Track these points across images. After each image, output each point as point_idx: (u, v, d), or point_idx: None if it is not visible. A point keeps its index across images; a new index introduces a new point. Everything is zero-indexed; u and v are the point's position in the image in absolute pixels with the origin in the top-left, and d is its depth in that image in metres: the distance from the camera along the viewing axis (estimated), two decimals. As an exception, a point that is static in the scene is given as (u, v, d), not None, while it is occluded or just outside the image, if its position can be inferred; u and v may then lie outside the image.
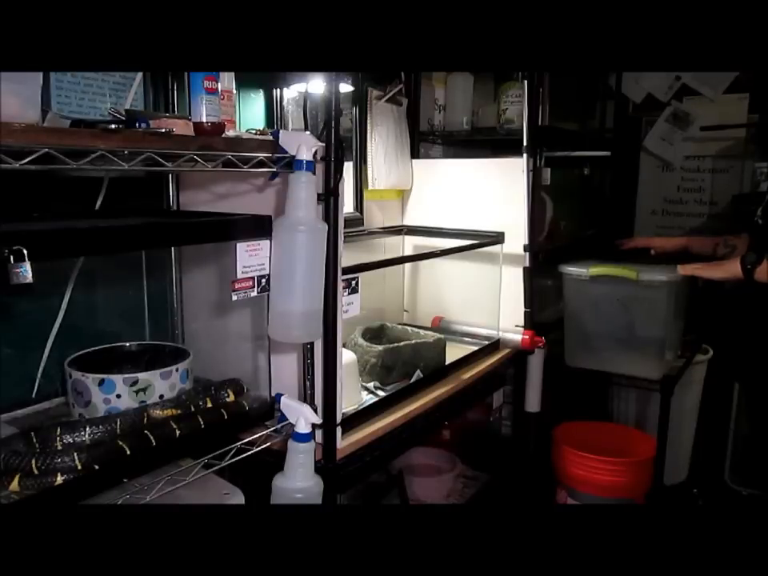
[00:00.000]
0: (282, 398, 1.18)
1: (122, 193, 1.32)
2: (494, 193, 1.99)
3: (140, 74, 1.37)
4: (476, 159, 2.07)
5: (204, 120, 1.05)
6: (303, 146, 1.06)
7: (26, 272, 0.75)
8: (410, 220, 2.19)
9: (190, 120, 1.06)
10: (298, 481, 1.10)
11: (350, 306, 1.27)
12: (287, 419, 1.16)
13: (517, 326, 1.95)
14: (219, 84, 1.09)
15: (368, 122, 1.92)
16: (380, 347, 1.59)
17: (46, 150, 0.78)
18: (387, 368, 1.58)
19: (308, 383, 1.21)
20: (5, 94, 0.79)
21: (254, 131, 1.24)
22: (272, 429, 1.17)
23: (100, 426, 0.99)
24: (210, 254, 1.35)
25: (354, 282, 1.27)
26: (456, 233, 1.95)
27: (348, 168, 1.76)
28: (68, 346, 1.22)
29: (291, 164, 1.07)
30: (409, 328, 1.82)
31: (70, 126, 0.95)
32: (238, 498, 1.13)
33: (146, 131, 0.94)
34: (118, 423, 1.01)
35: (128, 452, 0.96)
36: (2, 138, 0.74)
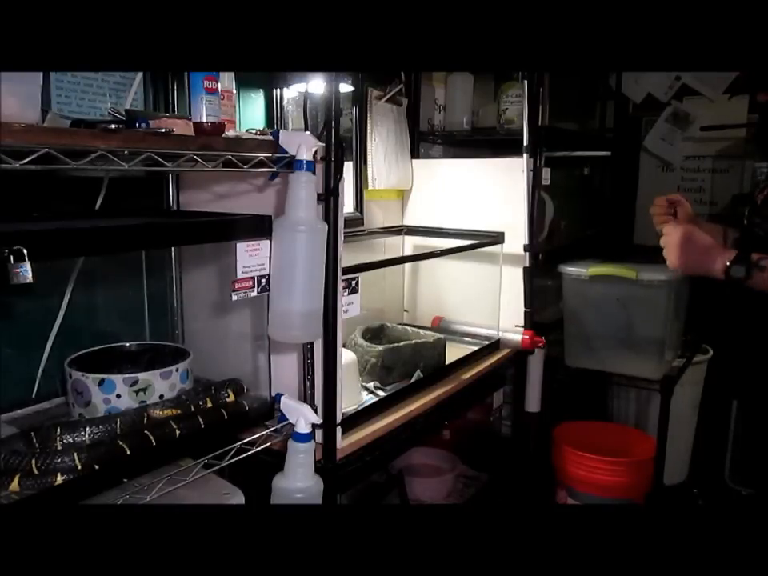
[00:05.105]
0: (282, 398, 1.18)
1: (122, 193, 1.32)
2: (494, 193, 1.99)
3: (140, 74, 1.37)
4: (476, 159, 2.07)
5: (204, 120, 1.05)
6: (303, 145, 1.06)
7: (26, 272, 0.75)
8: (410, 220, 2.19)
9: (189, 120, 1.06)
10: (298, 481, 1.10)
11: (349, 306, 1.27)
12: (287, 419, 1.16)
13: (517, 326, 1.95)
14: (219, 84, 1.09)
15: (368, 121, 1.92)
16: (380, 347, 1.59)
17: (46, 149, 0.78)
18: (387, 368, 1.58)
19: (308, 383, 1.21)
20: (5, 94, 0.79)
21: (254, 131, 1.24)
22: (272, 429, 1.17)
23: (100, 426, 0.99)
24: (209, 254, 1.35)
25: (353, 282, 1.27)
26: (456, 233, 1.95)
27: (348, 168, 1.76)
28: (68, 345, 1.22)
29: (291, 164, 1.07)
30: (409, 328, 1.82)
31: (70, 126, 0.95)
32: (238, 498, 1.13)
33: (146, 131, 0.94)
34: (118, 423, 1.01)
35: (128, 452, 0.96)
36: (2, 138, 0.74)
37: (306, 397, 1.22)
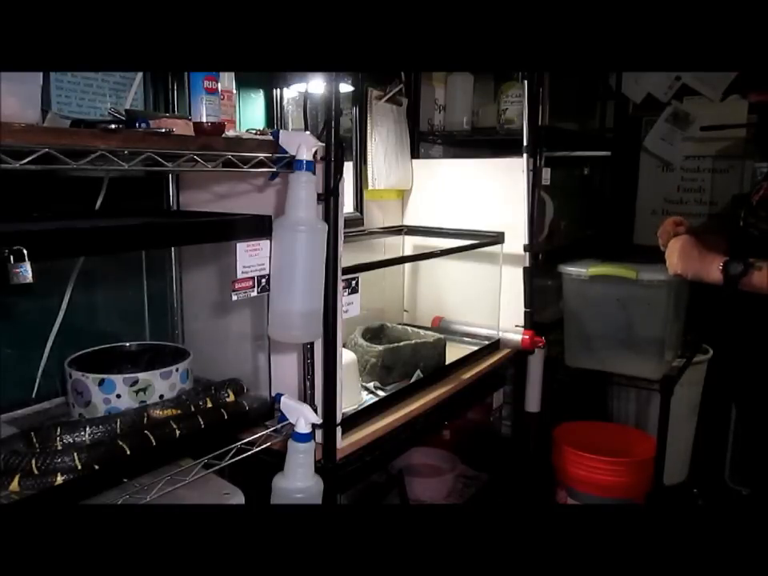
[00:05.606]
0: (282, 398, 1.18)
1: (122, 193, 1.32)
2: (494, 193, 1.99)
3: (140, 74, 1.37)
4: (476, 159, 2.07)
5: (204, 120, 1.05)
6: (303, 145, 1.06)
7: (25, 272, 0.75)
8: (410, 220, 2.19)
9: (190, 120, 1.06)
10: (298, 481, 1.10)
11: (349, 306, 1.27)
12: (287, 419, 1.16)
13: (517, 326, 1.95)
14: (219, 84, 1.09)
15: (368, 121, 1.92)
16: (380, 347, 1.59)
17: (46, 149, 0.78)
18: (387, 368, 1.58)
19: (308, 383, 1.21)
20: (5, 94, 0.79)
21: (254, 131, 1.24)
22: (272, 429, 1.17)
23: (100, 426, 0.99)
24: (210, 254, 1.35)
25: (353, 282, 1.27)
26: (456, 233, 1.95)
27: (348, 168, 1.76)
28: (68, 345, 1.22)
29: (291, 164, 1.07)
30: (409, 328, 1.82)
31: (70, 126, 0.95)
32: (238, 498, 1.13)
33: (146, 131, 0.94)
34: (118, 423, 1.01)
35: (128, 452, 0.96)
36: (2, 138, 0.74)
37: (306, 397, 1.22)
